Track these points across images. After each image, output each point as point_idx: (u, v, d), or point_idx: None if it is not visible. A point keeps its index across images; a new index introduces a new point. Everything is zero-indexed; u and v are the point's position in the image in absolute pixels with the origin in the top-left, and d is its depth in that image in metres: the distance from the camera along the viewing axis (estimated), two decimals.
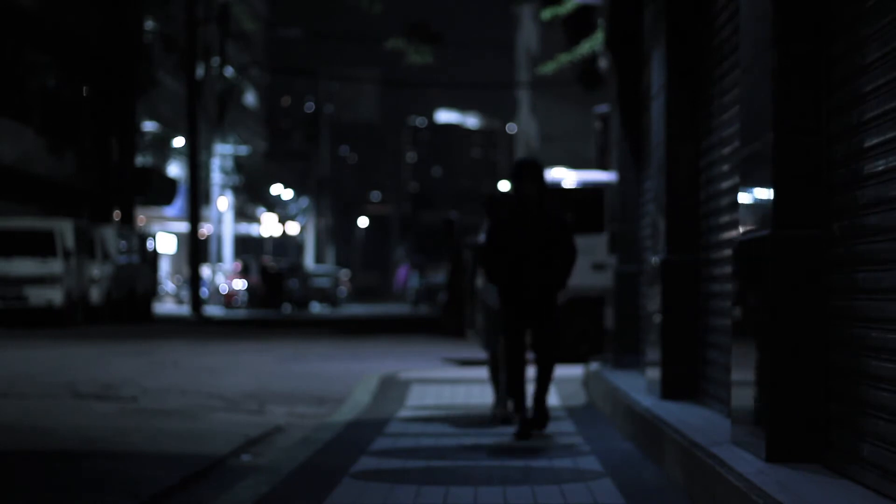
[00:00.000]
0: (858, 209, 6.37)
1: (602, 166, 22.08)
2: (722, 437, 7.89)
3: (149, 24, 52.90)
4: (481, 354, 16.54)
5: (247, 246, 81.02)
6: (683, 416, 9.30)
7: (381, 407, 12.84)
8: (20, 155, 40.07)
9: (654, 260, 11.41)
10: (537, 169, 10.62)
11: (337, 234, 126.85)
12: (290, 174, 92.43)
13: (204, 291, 52.56)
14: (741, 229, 7.69)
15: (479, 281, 11.85)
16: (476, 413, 12.13)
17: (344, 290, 79.46)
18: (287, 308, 60.36)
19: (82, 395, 14.35)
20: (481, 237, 11.79)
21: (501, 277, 10.66)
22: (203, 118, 55.17)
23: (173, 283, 61.27)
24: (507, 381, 10.85)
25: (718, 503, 6.61)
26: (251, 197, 75.70)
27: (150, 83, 51.49)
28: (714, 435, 8.03)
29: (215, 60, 56.22)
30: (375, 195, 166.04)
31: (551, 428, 10.92)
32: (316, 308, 65.83)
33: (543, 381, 10.72)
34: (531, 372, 11.30)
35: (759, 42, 7.33)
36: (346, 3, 37.48)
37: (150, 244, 43.02)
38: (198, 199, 49.85)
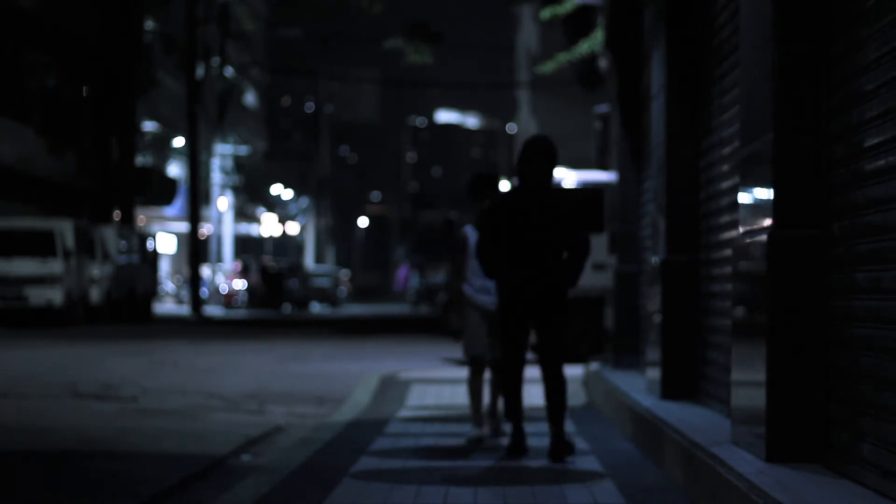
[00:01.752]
0: (858, 209, 6.37)
1: (602, 166, 22.08)
2: (722, 437, 7.89)
3: (149, 24, 52.90)
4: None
5: (247, 246, 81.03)
6: (683, 416, 9.30)
7: (381, 407, 12.84)
8: (20, 155, 40.07)
9: (654, 260, 11.40)
10: (546, 149, 9.26)
11: (337, 234, 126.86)
12: (290, 174, 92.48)
13: (204, 291, 52.56)
14: (741, 229, 7.69)
15: (467, 285, 10.17)
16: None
17: (344, 290, 79.45)
18: (287, 308, 60.35)
19: (82, 395, 14.35)
20: (467, 229, 10.24)
21: (499, 272, 9.24)
22: (203, 118, 55.18)
23: (173, 283, 61.27)
24: (502, 391, 9.48)
25: (718, 503, 6.61)
26: (251, 197, 75.74)
27: (150, 83, 51.49)
28: (714, 435, 8.03)
29: (215, 60, 56.23)
30: (375, 195, 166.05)
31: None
32: (316, 308, 65.83)
33: (556, 400, 9.20)
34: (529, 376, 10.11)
35: (759, 42, 7.33)
36: (346, 3, 37.49)
37: (150, 244, 43.01)
38: (198, 199, 49.85)
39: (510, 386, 9.34)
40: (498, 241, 9.21)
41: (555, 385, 9.17)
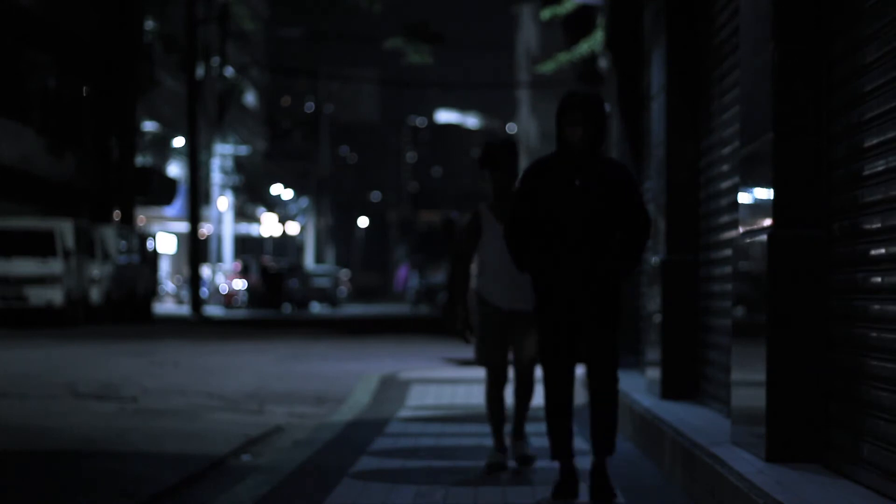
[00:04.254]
0: (858, 209, 6.37)
1: None
2: (722, 437, 7.89)
3: (149, 24, 52.90)
4: None
5: (247, 246, 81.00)
6: (683, 416, 9.30)
7: (381, 407, 12.84)
8: (20, 155, 40.07)
9: (654, 260, 11.40)
10: (589, 105, 7.36)
11: (337, 234, 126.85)
12: (290, 174, 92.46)
13: (204, 291, 52.54)
14: (741, 229, 7.69)
15: (474, 278, 8.55)
16: (476, 413, 12.11)
17: (344, 290, 79.42)
18: (287, 308, 60.33)
19: (82, 395, 14.35)
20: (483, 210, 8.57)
21: (536, 261, 7.37)
22: (203, 118, 55.16)
23: (173, 283, 61.25)
24: (546, 420, 7.52)
25: (718, 503, 6.61)
26: (251, 197, 75.71)
27: (150, 83, 51.48)
28: (714, 435, 8.02)
29: (215, 60, 56.21)
30: (375, 195, 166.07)
31: None
32: (316, 308, 65.81)
33: (603, 420, 7.34)
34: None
35: (758, 42, 7.33)
36: (346, 3, 37.51)
37: (150, 244, 43.01)
38: (198, 199, 49.84)
39: (556, 412, 7.42)
40: (533, 222, 7.36)
41: (604, 400, 7.35)
